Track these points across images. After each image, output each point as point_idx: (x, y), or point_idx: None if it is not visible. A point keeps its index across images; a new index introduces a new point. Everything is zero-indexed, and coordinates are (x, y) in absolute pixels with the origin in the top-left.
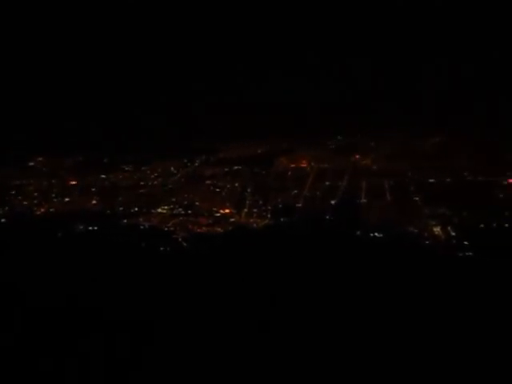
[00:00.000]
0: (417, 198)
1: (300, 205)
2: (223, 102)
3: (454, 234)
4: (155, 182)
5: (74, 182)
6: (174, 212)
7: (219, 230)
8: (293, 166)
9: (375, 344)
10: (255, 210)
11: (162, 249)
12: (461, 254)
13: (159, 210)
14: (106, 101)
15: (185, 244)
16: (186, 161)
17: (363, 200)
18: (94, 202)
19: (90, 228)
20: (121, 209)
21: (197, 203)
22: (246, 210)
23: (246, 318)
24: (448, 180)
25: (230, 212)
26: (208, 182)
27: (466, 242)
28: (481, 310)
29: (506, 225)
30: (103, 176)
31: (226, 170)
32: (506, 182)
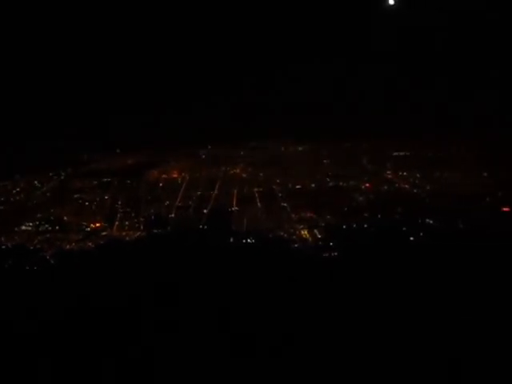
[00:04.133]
0: (285, 204)
1: (173, 215)
2: (90, 111)
3: (320, 236)
4: (18, 198)
5: None
6: (40, 229)
7: (90, 244)
8: (164, 176)
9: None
10: (127, 223)
11: (28, 268)
12: (327, 254)
13: (23, 228)
14: None
15: (53, 261)
16: (51, 174)
17: (235, 208)
18: None
19: None
20: None
21: (65, 218)
22: (117, 222)
23: (124, 334)
24: (313, 186)
25: (101, 226)
26: (76, 195)
27: (331, 243)
28: (350, 308)
29: (365, 225)
30: None
31: (95, 182)
32: (363, 187)
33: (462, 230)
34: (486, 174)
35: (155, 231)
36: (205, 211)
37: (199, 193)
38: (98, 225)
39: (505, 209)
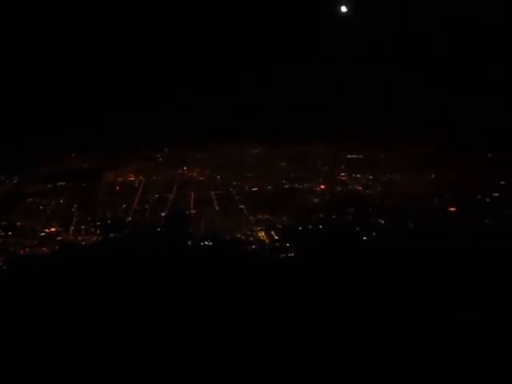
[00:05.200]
0: (242, 206)
1: (130, 219)
2: (43, 113)
3: (276, 237)
4: None
5: None
6: None
7: (45, 249)
8: (120, 179)
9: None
10: (83, 227)
11: None
12: (284, 255)
13: None
14: None
15: (6, 268)
16: (3, 178)
17: (192, 211)
18: None
19: None
20: None
21: (18, 223)
22: (73, 227)
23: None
24: (269, 188)
25: (56, 230)
26: (30, 199)
27: (287, 244)
28: (309, 306)
29: (320, 226)
30: None
31: (50, 186)
32: (318, 188)
33: (412, 230)
34: (433, 176)
35: (112, 235)
36: (162, 214)
37: (156, 195)
38: (52, 229)
39: (451, 209)
